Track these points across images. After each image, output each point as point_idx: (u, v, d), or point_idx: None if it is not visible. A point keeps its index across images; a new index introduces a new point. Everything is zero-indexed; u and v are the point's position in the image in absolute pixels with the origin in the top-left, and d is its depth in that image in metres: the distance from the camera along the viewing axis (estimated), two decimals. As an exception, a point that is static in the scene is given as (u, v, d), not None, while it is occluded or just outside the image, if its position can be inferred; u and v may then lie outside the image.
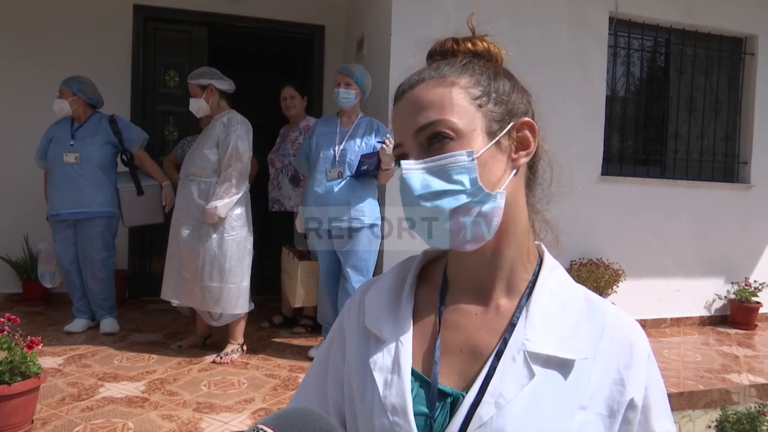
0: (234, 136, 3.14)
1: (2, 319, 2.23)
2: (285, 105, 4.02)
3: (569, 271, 3.99)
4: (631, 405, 0.66)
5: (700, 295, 4.60)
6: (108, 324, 3.62)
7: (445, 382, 0.67)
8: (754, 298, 4.53)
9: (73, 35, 4.46)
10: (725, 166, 4.79)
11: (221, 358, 3.15)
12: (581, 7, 4.14)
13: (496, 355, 0.66)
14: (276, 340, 3.67)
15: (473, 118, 0.66)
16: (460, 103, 0.66)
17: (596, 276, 3.93)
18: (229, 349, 3.22)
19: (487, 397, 0.63)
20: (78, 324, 3.62)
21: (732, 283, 4.62)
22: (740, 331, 4.45)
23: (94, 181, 3.56)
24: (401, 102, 0.69)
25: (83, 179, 3.53)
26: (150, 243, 4.57)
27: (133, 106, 4.60)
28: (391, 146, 3.23)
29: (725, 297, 4.64)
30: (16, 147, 4.30)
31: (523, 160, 0.70)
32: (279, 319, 4.04)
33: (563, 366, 0.65)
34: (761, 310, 4.60)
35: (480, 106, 0.67)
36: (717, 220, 4.60)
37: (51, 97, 4.29)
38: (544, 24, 4.03)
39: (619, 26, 4.33)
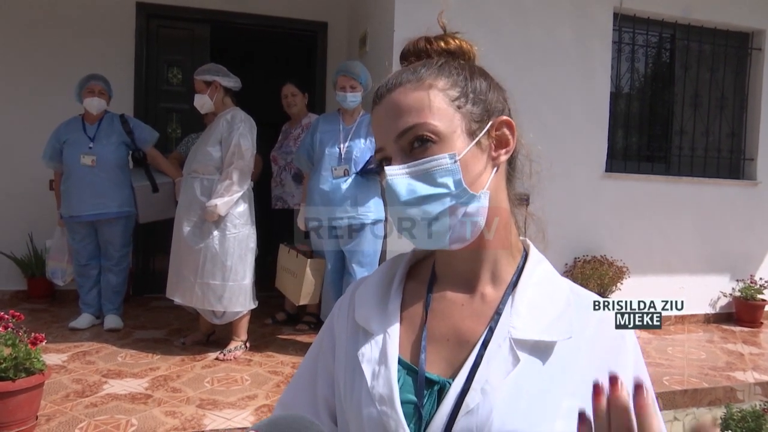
0: (237, 133, 3.14)
1: (6, 316, 2.24)
2: (286, 103, 4.02)
3: (573, 267, 4.00)
4: None
5: (705, 292, 4.57)
6: (112, 320, 3.65)
7: (432, 370, 0.69)
8: (759, 296, 4.50)
9: (76, 33, 4.47)
10: (731, 162, 4.76)
11: (225, 355, 3.16)
12: (585, 2, 4.11)
13: (482, 343, 0.68)
14: (279, 337, 3.68)
15: (453, 120, 0.67)
16: (439, 105, 0.67)
17: (600, 273, 3.91)
18: (232, 346, 3.23)
19: (473, 384, 0.64)
20: (83, 320, 3.64)
21: (737, 280, 4.59)
22: (745, 329, 4.42)
23: (113, 181, 3.60)
24: (380, 106, 0.70)
25: (102, 181, 3.55)
26: (154, 240, 4.59)
27: (136, 103, 4.61)
28: None
29: (730, 294, 4.61)
30: (21, 145, 4.31)
31: (503, 158, 0.71)
32: (282, 316, 4.04)
33: (548, 352, 0.66)
34: (767, 308, 4.56)
35: (459, 107, 0.68)
36: (722, 217, 4.57)
37: (54, 95, 4.31)
38: (548, 20, 4.00)
39: (624, 22, 4.30)
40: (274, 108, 4.70)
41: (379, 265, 3.19)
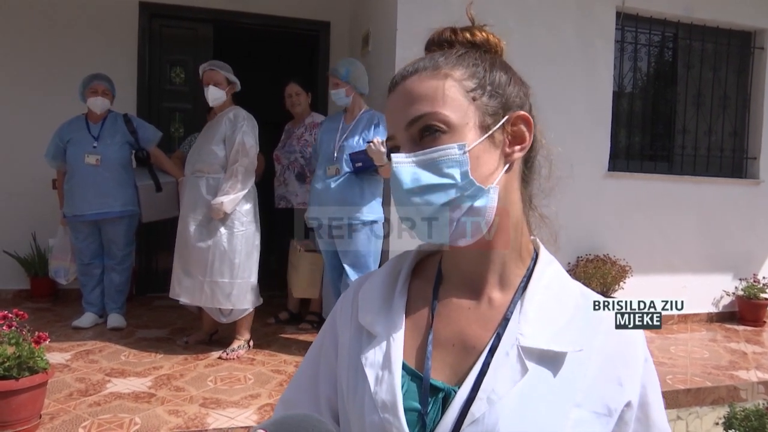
0: (240, 132, 3.16)
1: (10, 315, 2.25)
2: (290, 102, 4.01)
3: (576, 267, 3.99)
4: (629, 405, 0.65)
5: (708, 291, 4.56)
6: (115, 319, 3.66)
7: (437, 376, 0.67)
8: (762, 295, 4.49)
9: (79, 33, 4.48)
10: (733, 161, 4.74)
11: (228, 354, 3.16)
12: (588, 1, 4.11)
13: (489, 350, 0.65)
14: (282, 336, 3.68)
15: (466, 111, 0.65)
16: (453, 95, 0.65)
17: (603, 272, 3.91)
18: (235, 344, 3.23)
19: (479, 393, 0.62)
20: (87, 319, 3.65)
21: (740, 279, 4.58)
22: (748, 328, 4.41)
23: (116, 181, 3.61)
24: (394, 93, 0.68)
25: (105, 180, 3.57)
26: (156, 240, 4.60)
27: (139, 103, 4.62)
28: (380, 144, 3.13)
29: (733, 293, 4.60)
30: (23, 144, 4.32)
31: (518, 155, 0.68)
32: (285, 315, 4.05)
33: (557, 361, 0.64)
34: (770, 307, 4.55)
35: (474, 99, 0.66)
36: (725, 216, 4.56)
37: (57, 94, 4.32)
38: (551, 19, 4.00)
39: (627, 21, 4.29)
40: (275, 107, 4.71)
41: (374, 266, 3.14)
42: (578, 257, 4.09)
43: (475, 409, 0.62)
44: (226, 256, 3.14)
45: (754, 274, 4.57)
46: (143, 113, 4.51)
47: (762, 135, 4.69)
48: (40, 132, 3.94)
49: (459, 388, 0.64)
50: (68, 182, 3.64)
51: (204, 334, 3.42)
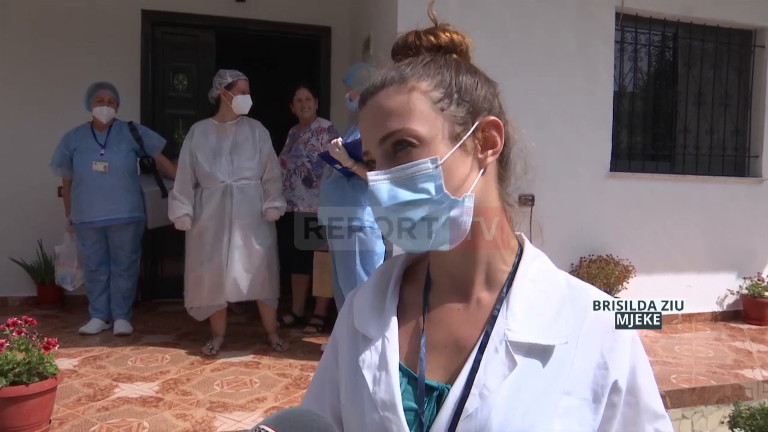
0: (268, 143, 3.42)
1: (19, 322, 2.27)
2: (300, 106, 4.02)
3: (579, 267, 4.00)
4: (615, 388, 0.66)
5: (712, 290, 4.56)
6: (122, 325, 3.68)
7: (431, 377, 0.69)
8: (767, 293, 4.48)
9: (82, 41, 4.52)
10: (735, 160, 4.75)
11: (282, 345, 3.43)
12: (587, 2, 4.13)
13: (479, 347, 0.68)
14: (287, 339, 3.70)
15: (435, 123, 0.67)
16: (421, 108, 0.66)
17: (606, 272, 3.91)
18: (275, 338, 3.46)
19: (472, 389, 0.65)
20: (93, 325, 3.68)
21: (744, 278, 4.57)
22: (753, 327, 4.40)
23: (123, 187, 3.66)
24: (365, 109, 0.70)
25: (113, 187, 3.62)
26: (161, 246, 4.62)
27: (143, 110, 4.65)
28: (334, 145, 3.07)
29: (737, 292, 4.59)
30: (29, 152, 4.35)
31: (490, 159, 0.70)
32: (290, 319, 4.07)
33: (545, 353, 0.66)
34: (774, 305, 4.54)
35: (442, 109, 0.67)
36: (728, 214, 4.56)
37: (61, 102, 4.35)
38: (550, 20, 4.01)
39: (626, 21, 4.31)
40: (275, 111, 4.75)
41: (359, 269, 3.05)
42: (581, 258, 4.10)
43: (469, 404, 0.64)
44: (276, 250, 3.45)
45: (758, 273, 4.57)
46: (147, 120, 4.54)
47: (764, 133, 4.69)
48: (45, 140, 3.97)
49: (452, 386, 0.66)
50: (75, 189, 3.67)
51: (221, 337, 3.44)
